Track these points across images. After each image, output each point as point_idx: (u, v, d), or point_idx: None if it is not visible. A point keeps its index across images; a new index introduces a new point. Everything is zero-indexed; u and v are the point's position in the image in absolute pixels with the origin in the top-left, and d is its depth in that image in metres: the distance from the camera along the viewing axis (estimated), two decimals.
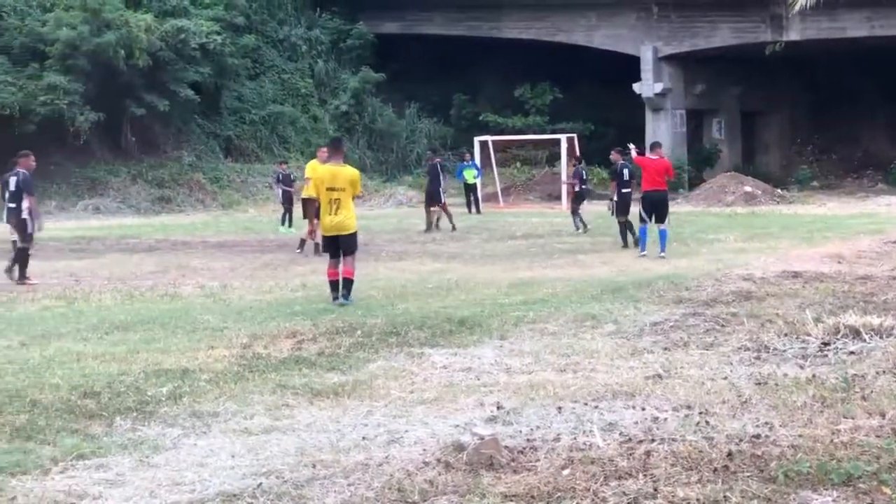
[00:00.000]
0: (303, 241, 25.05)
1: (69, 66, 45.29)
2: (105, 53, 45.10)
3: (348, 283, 16.35)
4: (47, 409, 9.62)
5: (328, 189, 16.21)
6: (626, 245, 25.71)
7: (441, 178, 34.18)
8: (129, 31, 45.76)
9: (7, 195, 21.26)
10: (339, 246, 16.43)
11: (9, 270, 21.10)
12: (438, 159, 36.53)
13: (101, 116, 45.90)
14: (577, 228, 31.16)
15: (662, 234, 23.76)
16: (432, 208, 33.55)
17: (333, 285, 16.36)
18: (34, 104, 44.47)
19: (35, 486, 7.50)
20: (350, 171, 16.49)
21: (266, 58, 57.13)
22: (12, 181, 21.17)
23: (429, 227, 32.98)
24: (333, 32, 59.09)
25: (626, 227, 26.18)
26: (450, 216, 33.35)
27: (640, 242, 24.38)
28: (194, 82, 49.27)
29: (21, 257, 21.03)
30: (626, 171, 26.99)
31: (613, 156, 28.23)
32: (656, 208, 23.97)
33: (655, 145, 25.71)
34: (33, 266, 23.87)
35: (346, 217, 16.30)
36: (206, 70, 49.88)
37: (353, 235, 16.54)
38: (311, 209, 16.92)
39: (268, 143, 53.42)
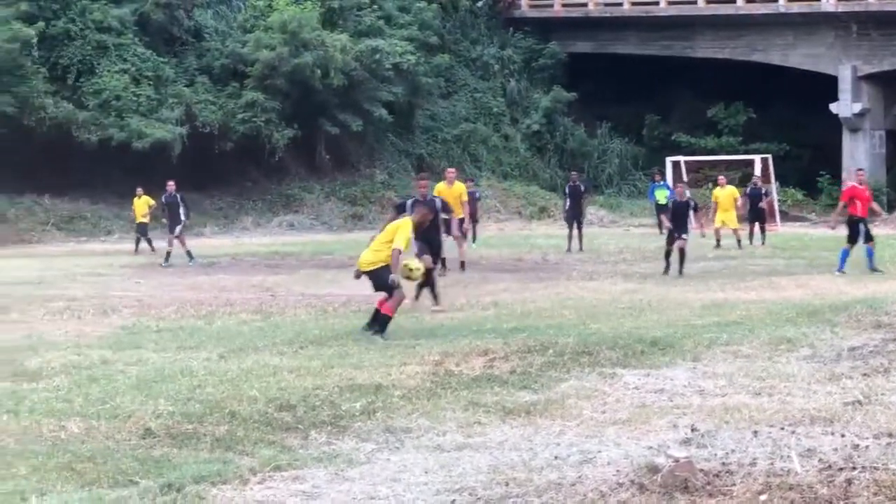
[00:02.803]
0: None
1: (267, 85, 46.32)
2: (302, 73, 45.97)
3: (377, 315, 15.56)
4: (245, 420, 9.82)
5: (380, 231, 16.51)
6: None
7: (581, 198, 34.28)
8: (326, 51, 46.54)
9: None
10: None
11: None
12: (578, 180, 36.29)
13: (297, 134, 46.83)
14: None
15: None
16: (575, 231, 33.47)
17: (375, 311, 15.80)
18: (233, 122, 45.62)
19: (235, 495, 7.67)
20: (403, 222, 16.16)
21: (459, 77, 57.50)
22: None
23: (570, 248, 33.00)
24: (526, 51, 59.17)
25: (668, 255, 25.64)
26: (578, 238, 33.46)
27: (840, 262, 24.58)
28: (388, 101, 49.85)
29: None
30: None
31: (678, 188, 28.22)
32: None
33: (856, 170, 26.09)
34: (229, 280, 24.57)
35: (368, 254, 15.88)
36: (400, 89, 50.41)
37: (374, 273, 15.74)
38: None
39: (459, 162, 53.59)
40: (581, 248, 32.77)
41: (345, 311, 18.86)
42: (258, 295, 21.78)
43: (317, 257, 32.04)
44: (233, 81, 47.34)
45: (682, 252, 25.18)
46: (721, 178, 37.50)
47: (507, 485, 7.76)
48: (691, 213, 26.30)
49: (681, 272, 24.77)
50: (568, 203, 34.72)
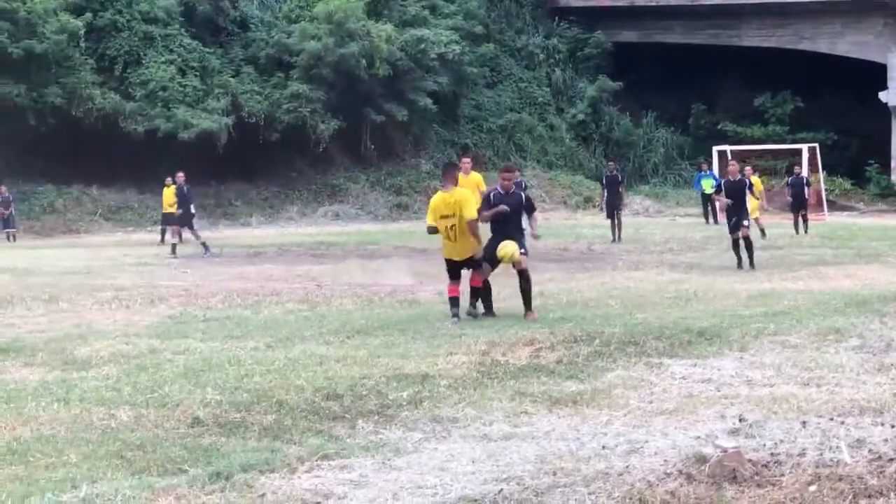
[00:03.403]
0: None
1: (312, 75, 46.46)
2: (347, 63, 46.09)
3: (474, 292, 16.40)
4: (293, 409, 9.84)
5: (442, 217, 16.16)
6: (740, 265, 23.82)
7: (618, 186, 34.11)
8: (371, 41, 46.65)
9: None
10: (463, 268, 16.37)
11: None
12: (615, 170, 36.07)
13: (342, 124, 46.93)
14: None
15: None
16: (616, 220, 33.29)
17: (453, 301, 16.03)
18: (278, 112, 45.80)
19: (283, 483, 7.69)
20: (459, 195, 16.18)
21: (504, 66, 57.48)
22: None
23: (615, 238, 32.90)
24: (571, 41, 59.09)
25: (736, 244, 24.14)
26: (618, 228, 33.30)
27: None
28: (433, 91, 49.88)
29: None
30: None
31: (731, 167, 25.67)
32: None
33: None
34: (275, 270, 24.66)
35: (467, 243, 16.13)
36: (444, 79, 50.44)
37: (468, 260, 16.37)
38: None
39: (505, 152, 53.69)
40: (620, 238, 32.65)
41: (390, 300, 18.88)
42: (304, 285, 21.83)
43: (362, 247, 32.11)
44: (278, 72, 47.55)
45: (747, 240, 23.79)
46: (748, 169, 37.19)
47: (554, 474, 7.74)
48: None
49: (752, 264, 23.49)
50: (605, 193, 34.79)
